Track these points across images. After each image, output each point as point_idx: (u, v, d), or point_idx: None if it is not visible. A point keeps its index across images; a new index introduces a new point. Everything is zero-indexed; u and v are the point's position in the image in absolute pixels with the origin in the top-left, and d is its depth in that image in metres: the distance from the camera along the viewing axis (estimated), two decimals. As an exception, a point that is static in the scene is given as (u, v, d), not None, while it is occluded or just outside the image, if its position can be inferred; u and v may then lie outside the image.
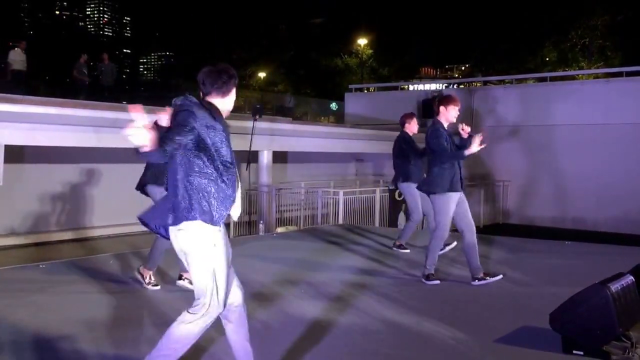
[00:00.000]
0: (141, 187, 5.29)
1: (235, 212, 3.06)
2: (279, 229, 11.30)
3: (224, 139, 2.94)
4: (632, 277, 3.74)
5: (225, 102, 3.11)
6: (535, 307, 4.44)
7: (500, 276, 5.48)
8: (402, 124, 7.13)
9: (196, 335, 2.94)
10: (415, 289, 5.31)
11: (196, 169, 2.87)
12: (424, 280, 5.50)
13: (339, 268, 6.19)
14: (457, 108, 5.46)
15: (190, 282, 5.24)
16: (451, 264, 6.26)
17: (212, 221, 2.89)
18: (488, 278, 5.43)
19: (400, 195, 13.02)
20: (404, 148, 6.97)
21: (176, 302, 4.71)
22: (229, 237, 3.11)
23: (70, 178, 12.56)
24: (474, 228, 5.53)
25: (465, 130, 5.40)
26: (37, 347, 3.71)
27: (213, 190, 2.89)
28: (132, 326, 4.09)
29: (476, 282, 5.40)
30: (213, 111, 3.00)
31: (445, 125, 5.48)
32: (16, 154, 10.60)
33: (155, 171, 5.06)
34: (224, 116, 3.09)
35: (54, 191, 12.23)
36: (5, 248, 11.02)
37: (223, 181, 2.90)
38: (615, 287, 3.50)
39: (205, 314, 2.88)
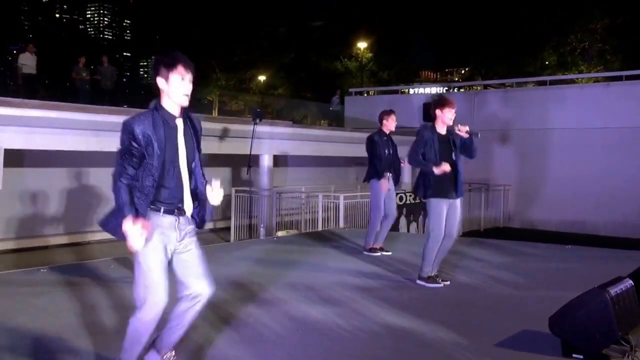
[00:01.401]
0: None
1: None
2: (280, 233, 11.31)
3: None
4: (632, 281, 3.75)
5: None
6: (535, 311, 4.44)
7: (442, 285, 5.47)
8: (380, 121, 7.13)
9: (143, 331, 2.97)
10: (415, 293, 5.31)
11: None
12: (419, 281, 5.53)
13: (339, 272, 6.19)
14: (452, 110, 5.46)
15: None
16: (451, 268, 6.26)
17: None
18: (430, 283, 5.48)
19: (401, 199, 13.04)
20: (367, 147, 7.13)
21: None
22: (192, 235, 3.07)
23: (69, 181, 12.57)
24: (454, 235, 5.53)
25: (462, 130, 5.38)
26: (37, 351, 3.71)
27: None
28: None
29: (418, 282, 5.53)
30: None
31: (442, 128, 5.47)
32: (16, 157, 10.61)
33: None
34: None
35: (54, 195, 12.24)
36: (5, 252, 11.02)
37: None
38: (614, 291, 3.50)
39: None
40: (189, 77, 2.97)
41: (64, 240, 12.16)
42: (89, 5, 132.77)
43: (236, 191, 12.91)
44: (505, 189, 17.12)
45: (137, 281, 2.92)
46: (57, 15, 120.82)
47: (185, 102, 2.96)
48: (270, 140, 13.35)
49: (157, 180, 2.89)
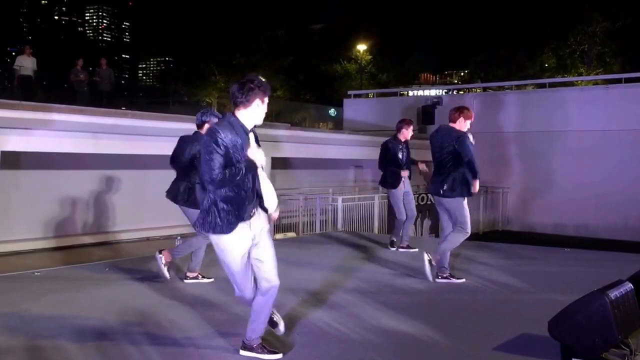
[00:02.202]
0: None
1: None
2: (278, 236, 11.26)
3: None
4: (631, 285, 3.72)
5: (247, 114, 3.46)
6: (534, 314, 4.42)
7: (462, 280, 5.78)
8: (399, 130, 7.46)
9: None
10: (413, 297, 5.29)
11: None
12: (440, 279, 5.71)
13: (337, 275, 6.16)
14: (470, 121, 5.77)
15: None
16: (450, 271, 6.22)
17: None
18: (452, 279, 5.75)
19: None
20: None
21: (174, 308, 4.69)
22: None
23: (69, 184, 12.54)
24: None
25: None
26: (31, 355, 3.68)
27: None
28: (125, 335, 4.06)
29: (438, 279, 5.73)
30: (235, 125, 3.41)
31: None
32: (14, 159, 10.58)
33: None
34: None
35: (53, 197, 12.20)
36: (6, 254, 10.98)
37: None
38: (614, 294, 3.48)
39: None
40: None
41: (65, 242, 12.12)
42: (87, 7, 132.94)
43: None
44: (504, 192, 17.11)
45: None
46: (56, 18, 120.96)
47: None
48: (268, 143, 13.33)
49: None
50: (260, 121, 3.49)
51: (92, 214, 12.82)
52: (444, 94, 24.11)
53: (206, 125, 5.22)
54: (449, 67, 57.63)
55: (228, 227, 3.37)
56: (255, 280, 3.55)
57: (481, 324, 4.45)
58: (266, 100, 3.49)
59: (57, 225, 12.23)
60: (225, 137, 3.30)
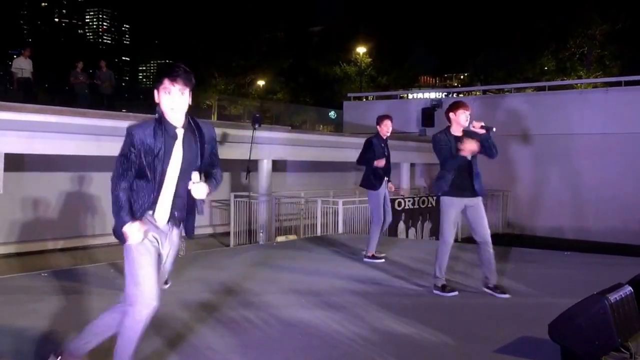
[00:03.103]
0: None
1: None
2: (279, 238, 11.29)
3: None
4: (631, 288, 3.74)
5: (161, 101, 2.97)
6: (535, 317, 4.44)
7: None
8: (378, 124, 7.16)
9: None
10: (415, 299, 5.31)
11: None
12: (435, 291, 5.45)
13: (338, 277, 6.18)
14: (467, 112, 5.42)
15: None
16: (451, 274, 6.25)
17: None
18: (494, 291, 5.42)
19: (399, 204, 13.05)
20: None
21: (177, 310, 4.71)
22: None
23: (69, 186, 12.56)
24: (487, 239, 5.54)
25: (476, 126, 5.32)
26: (37, 356, 3.71)
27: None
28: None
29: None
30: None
31: (458, 130, 5.44)
32: (16, 162, 10.60)
33: None
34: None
35: (54, 199, 12.23)
36: (6, 256, 11.00)
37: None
38: (614, 297, 3.50)
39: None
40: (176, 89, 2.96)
41: (66, 244, 12.15)
42: (88, 9, 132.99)
43: (235, 196, 12.90)
44: (505, 195, 17.12)
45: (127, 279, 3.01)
46: (56, 20, 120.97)
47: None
48: (269, 146, 13.35)
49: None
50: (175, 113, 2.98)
51: (93, 215, 12.85)
52: (444, 96, 24.14)
53: None
54: (449, 69, 57.60)
55: None
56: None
57: (481, 327, 4.48)
58: (173, 86, 2.93)
59: (59, 227, 12.26)
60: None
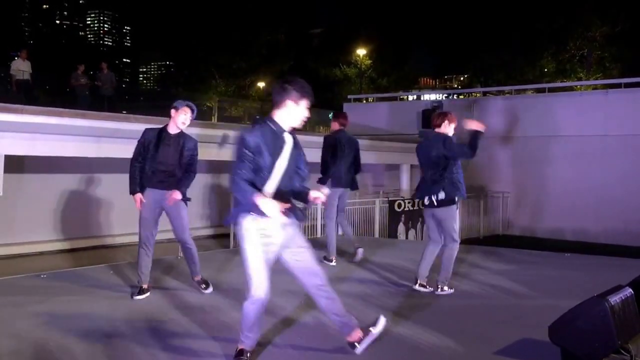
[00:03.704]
0: None
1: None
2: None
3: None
4: (631, 290, 3.74)
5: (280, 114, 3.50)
6: (535, 319, 4.43)
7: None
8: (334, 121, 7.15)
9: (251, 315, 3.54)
10: (414, 301, 5.30)
11: None
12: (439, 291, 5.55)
13: (338, 279, 6.18)
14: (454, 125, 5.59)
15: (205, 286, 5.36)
16: (453, 276, 6.24)
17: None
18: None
19: (399, 206, 13.05)
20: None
21: (176, 311, 4.71)
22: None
23: (69, 187, 12.57)
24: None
25: (472, 124, 5.36)
26: (38, 358, 3.71)
27: None
28: (132, 338, 4.08)
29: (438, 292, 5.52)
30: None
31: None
32: (16, 163, 10.61)
33: None
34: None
35: (54, 201, 12.23)
36: (7, 257, 11.01)
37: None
38: (614, 299, 3.50)
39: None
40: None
41: (65, 245, 12.16)
42: (89, 12, 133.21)
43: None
44: (505, 196, 17.12)
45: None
46: (57, 22, 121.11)
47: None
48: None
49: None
50: (296, 123, 3.52)
51: (94, 217, 12.85)
52: (444, 98, 24.15)
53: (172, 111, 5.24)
54: (449, 71, 57.69)
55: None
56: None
57: (482, 329, 4.47)
58: (304, 102, 3.48)
59: (61, 228, 12.27)
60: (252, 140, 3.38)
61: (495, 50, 29.62)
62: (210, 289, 5.42)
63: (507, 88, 22.58)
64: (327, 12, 44.02)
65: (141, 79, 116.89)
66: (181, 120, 5.21)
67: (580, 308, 3.52)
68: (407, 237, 12.75)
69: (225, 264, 7.00)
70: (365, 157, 16.89)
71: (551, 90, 20.09)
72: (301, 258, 3.61)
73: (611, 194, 15.41)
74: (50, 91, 21.96)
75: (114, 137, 10.37)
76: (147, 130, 5.30)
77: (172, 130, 5.24)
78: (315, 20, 43.49)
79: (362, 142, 17.18)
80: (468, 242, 13.28)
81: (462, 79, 53.31)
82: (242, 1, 30.14)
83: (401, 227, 12.88)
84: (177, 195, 5.10)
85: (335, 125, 7.14)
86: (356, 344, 3.70)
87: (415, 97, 26.98)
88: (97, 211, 12.90)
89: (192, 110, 5.28)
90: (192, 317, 4.62)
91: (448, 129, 5.57)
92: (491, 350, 3.90)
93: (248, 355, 3.59)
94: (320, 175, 7.08)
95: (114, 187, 13.06)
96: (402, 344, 4.08)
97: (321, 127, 28.33)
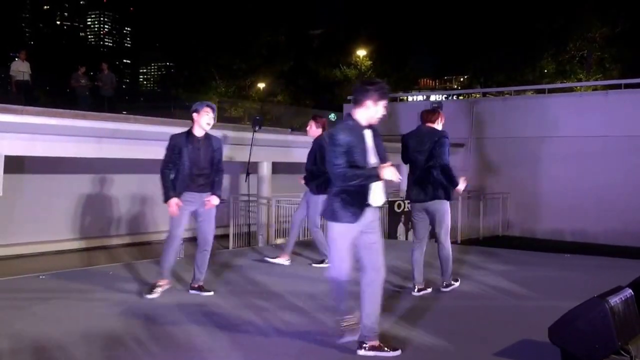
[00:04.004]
0: None
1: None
2: (279, 240, 11.28)
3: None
4: (631, 291, 3.74)
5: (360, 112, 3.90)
6: (535, 320, 4.43)
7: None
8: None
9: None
10: (414, 302, 5.30)
11: None
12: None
13: (338, 280, 6.17)
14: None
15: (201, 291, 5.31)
16: (453, 278, 6.24)
17: None
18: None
19: (399, 206, 13.04)
20: None
21: (175, 313, 4.71)
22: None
23: (69, 188, 12.57)
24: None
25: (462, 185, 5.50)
26: (37, 358, 3.71)
27: None
28: (131, 338, 4.08)
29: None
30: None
31: None
32: (16, 164, 10.61)
33: None
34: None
35: (53, 202, 12.24)
36: (7, 258, 11.01)
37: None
38: (614, 300, 3.49)
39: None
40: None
41: (64, 246, 12.16)
42: (89, 12, 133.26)
43: (234, 198, 12.89)
44: (504, 197, 17.11)
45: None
46: (58, 23, 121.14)
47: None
48: (269, 148, 13.35)
49: None
50: (374, 121, 3.91)
51: (95, 218, 12.86)
52: (444, 98, 24.14)
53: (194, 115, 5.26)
54: (449, 72, 57.66)
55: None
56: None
57: (481, 330, 4.47)
58: (382, 102, 3.84)
59: (60, 228, 12.27)
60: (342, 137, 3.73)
61: (495, 51, 29.61)
62: (210, 293, 5.40)
63: (507, 89, 22.57)
64: (327, 13, 44.02)
65: (141, 79, 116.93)
66: (205, 121, 5.26)
67: (580, 309, 3.52)
68: (407, 238, 12.73)
69: (225, 265, 6.99)
70: (365, 158, 16.94)
71: (551, 91, 20.07)
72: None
73: (611, 194, 15.40)
74: (50, 92, 21.97)
75: (114, 137, 10.38)
76: (173, 136, 5.30)
77: (199, 133, 5.29)
78: (315, 21, 43.49)
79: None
80: (468, 242, 13.28)
81: (462, 79, 53.31)
82: (242, 2, 30.14)
83: (401, 228, 12.87)
84: (215, 201, 5.31)
85: (318, 130, 6.83)
86: (365, 347, 3.83)
87: (415, 97, 26.99)
88: (97, 212, 12.92)
89: (213, 109, 5.34)
90: (191, 317, 4.62)
91: (439, 125, 5.65)
92: (491, 351, 3.90)
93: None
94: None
95: (113, 188, 13.09)
96: (402, 345, 4.07)
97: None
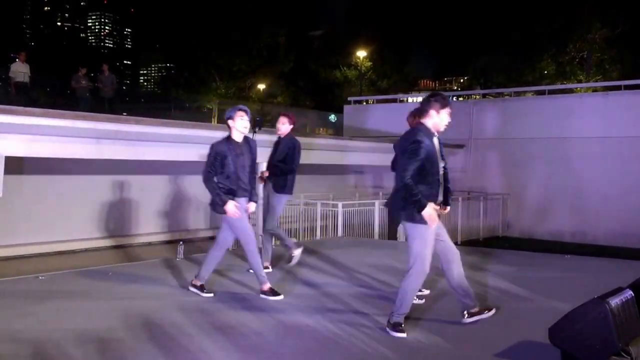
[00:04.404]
0: None
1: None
2: (278, 242, 11.28)
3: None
4: (631, 292, 3.73)
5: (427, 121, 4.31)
6: (535, 321, 4.43)
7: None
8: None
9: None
10: (413, 303, 5.29)
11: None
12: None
13: (337, 281, 6.18)
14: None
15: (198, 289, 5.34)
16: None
17: None
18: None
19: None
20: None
21: (174, 314, 4.70)
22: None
23: (69, 188, 12.57)
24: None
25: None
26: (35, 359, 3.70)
27: None
28: (130, 341, 4.08)
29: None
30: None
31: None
32: (16, 165, 10.61)
33: None
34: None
35: (53, 202, 12.23)
36: (6, 259, 11.01)
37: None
38: (614, 301, 3.49)
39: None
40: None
41: (63, 247, 12.15)
42: (90, 14, 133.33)
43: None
44: (504, 198, 17.11)
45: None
46: (59, 24, 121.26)
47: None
48: (269, 149, 13.34)
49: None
50: (440, 128, 4.33)
51: (95, 218, 12.85)
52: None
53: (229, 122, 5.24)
54: (449, 73, 57.73)
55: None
56: None
57: (482, 331, 4.46)
58: (444, 111, 4.28)
59: (60, 229, 12.26)
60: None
61: (495, 53, 29.63)
62: (280, 297, 5.31)
63: (506, 90, 22.58)
64: (327, 14, 44.07)
65: (142, 80, 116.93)
66: (243, 125, 5.29)
67: (581, 310, 3.52)
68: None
69: (225, 265, 6.98)
70: (365, 159, 17.03)
71: (551, 92, 20.09)
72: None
73: (611, 195, 15.41)
74: (51, 93, 21.96)
75: (114, 138, 10.38)
76: (216, 144, 5.27)
77: (238, 138, 5.32)
78: (315, 22, 43.53)
79: (362, 144, 17.33)
80: (468, 243, 13.28)
81: (461, 81, 53.32)
82: (243, 3, 30.17)
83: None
84: (253, 207, 5.50)
85: (288, 127, 6.57)
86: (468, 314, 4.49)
87: (415, 99, 26.98)
88: (98, 212, 12.91)
89: (247, 112, 5.37)
90: (190, 318, 4.61)
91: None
92: (491, 352, 3.89)
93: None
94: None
95: (113, 188, 13.08)
96: (402, 345, 4.07)
97: (321, 129, 28.36)
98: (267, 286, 5.33)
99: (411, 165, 4.12)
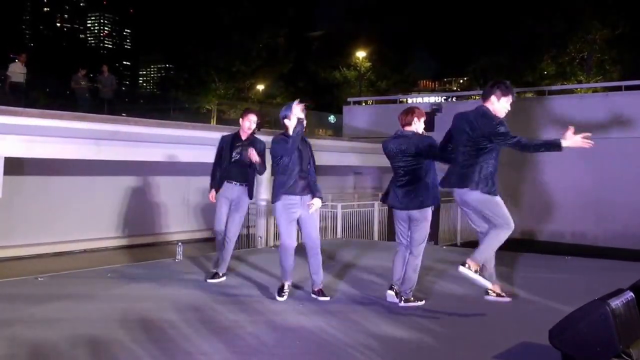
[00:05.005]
0: None
1: None
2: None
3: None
4: (632, 294, 3.72)
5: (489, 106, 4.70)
6: (535, 323, 4.41)
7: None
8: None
9: None
10: (415, 305, 5.27)
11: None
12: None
13: (336, 282, 6.16)
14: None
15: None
16: (449, 279, 6.24)
17: None
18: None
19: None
20: None
21: (173, 315, 4.69)
22: None
23: (69, 189, 12.56)
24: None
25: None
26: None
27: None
28: (129, 339, 4.06)
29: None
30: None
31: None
32: (15, 165, 10.61)
33: None
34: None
35: (52, 203, 12.23)
36: (6, 259, 11.00)
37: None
38: (615, 303, 3.47)
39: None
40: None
41: (62, 248, 12.15)
42: (89, 14, 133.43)
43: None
44: (504, 199, 17.10)
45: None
46: (58, 25, 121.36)
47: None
48: (268, 150, 13.34)
49: None
50: (500, 114, 4.62)
51: (94, 219, 12.83)
52: (443, 100, 24.14)
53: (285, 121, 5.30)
54: (449, 74, 57.74)
55: None
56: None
57: (481, 332, 4.45)
58: (505, 98, 4.61)
59: (60, 230, 12.26)
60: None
61: (495, 53, 29.63)
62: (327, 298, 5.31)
63: (506, 90, 22.53)
64: (327, 15, 44.09)
65: (141, 81, 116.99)
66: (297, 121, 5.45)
67: (581, 312, 3.50)
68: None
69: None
70: (365, 160, 17.01)
71: (551, 92, 20.09)
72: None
73: (611, 196, 15.40)
74: (50, 93, 21.94)
75: (113, 139, 10.38)
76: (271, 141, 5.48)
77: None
78: (315, 23, 43.55)
79: (362, 145, 17.31)
80: (467, 244, 13.25)
81: (461, 81, 53.35)
82: (242, 3, 30.17)
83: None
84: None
85: (253, 124, 6.19)
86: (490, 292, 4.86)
87: (414, 99, 26.99)
88: (97, 213, 12.89)
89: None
90: (189, 320, 4.60)
91: (418, 125, 5.42)
92: (491, 354, 3.88)
93: None
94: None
95: (112, 189, 13.06)
96: (401, 346, 4.06)
97: (320, 130, 28.33)
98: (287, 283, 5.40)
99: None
